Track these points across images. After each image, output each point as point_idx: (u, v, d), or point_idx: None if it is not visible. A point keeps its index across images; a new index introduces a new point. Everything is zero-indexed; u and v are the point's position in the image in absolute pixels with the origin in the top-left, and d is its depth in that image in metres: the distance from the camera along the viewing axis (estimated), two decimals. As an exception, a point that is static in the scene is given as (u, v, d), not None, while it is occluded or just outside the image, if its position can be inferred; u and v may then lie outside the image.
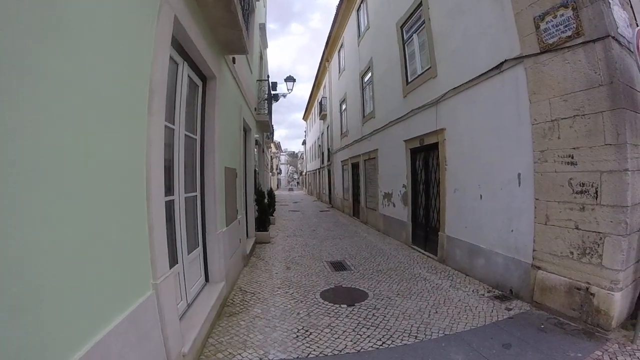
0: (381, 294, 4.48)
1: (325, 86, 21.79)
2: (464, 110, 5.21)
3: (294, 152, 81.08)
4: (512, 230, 4.23)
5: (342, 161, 15.74)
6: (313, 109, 29.42)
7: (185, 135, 3.21)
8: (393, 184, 8.60)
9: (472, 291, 4.50)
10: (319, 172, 26.12)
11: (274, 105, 11.46)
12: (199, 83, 3.75)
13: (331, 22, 15.20)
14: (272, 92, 11.00)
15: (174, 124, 2.93)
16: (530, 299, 3.88)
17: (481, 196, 4.87)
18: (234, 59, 5.26)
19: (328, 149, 20.38)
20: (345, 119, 14.94)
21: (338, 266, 5.94)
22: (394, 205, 8.53)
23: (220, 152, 4.08)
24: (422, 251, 6.73)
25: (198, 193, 3.68)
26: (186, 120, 3.26)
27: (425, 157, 6.83)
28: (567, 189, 3.49)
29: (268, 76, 10.25)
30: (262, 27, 10.56)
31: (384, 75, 9.19)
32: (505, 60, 4.17)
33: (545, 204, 3.72)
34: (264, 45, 11.88)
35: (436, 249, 6.13)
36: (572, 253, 3.44)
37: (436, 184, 6.32)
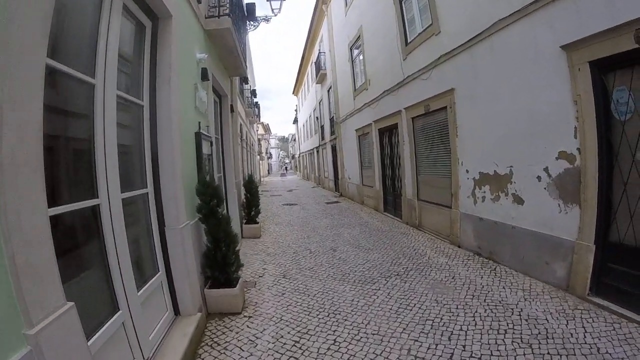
0: None
1: (322, 39, 16.69)
2: None
3: (284, 136, 77.06)
4: None
5: (357, 130, 10.77)
6: (306, 75, 24.10)
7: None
8: (511, 154, 3.82)
9: None
10: (318, 151, 21.04)
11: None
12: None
13: None
14: None
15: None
16: None
17: None
18: None
19: (331, 119, 15.34)
20: (362, 66, 9.97)
21: None
22: (519, 201, 3.75)
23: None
24: None
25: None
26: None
27: None
28: None
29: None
30: None
31: None
32: None
33: None
34: None
35: None
36: None
37: None
